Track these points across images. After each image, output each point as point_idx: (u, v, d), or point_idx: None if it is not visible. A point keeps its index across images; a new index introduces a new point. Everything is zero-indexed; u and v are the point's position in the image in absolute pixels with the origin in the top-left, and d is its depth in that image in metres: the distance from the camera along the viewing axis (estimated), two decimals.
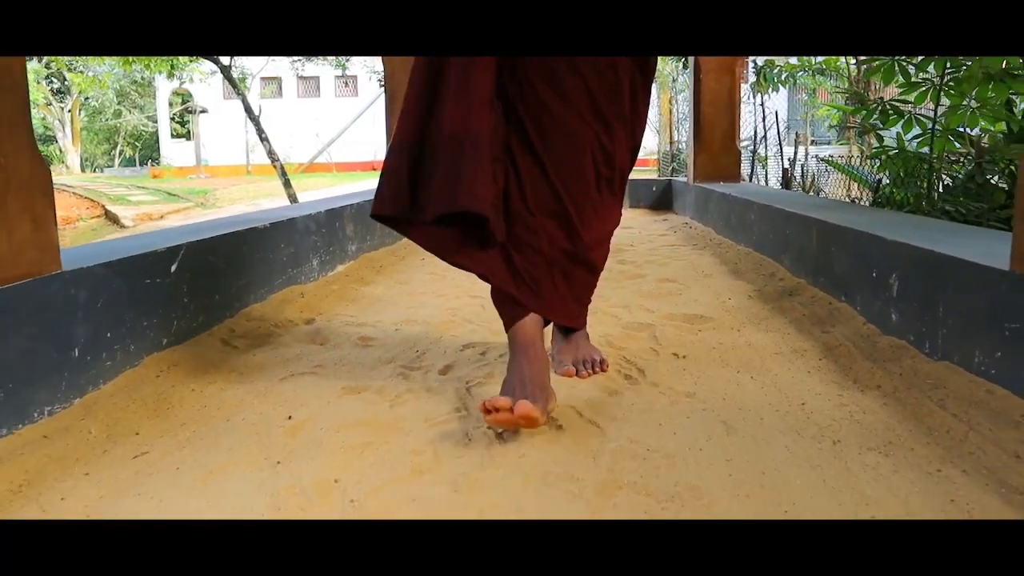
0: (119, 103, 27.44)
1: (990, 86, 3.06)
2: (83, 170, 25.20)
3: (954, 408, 1.35)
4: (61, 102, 24.44)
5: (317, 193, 10.02)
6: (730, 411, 1.43)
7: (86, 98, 25.23)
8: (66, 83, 23.44)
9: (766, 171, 6.30)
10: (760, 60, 7.84)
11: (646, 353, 1.83)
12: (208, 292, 2.01)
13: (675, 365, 1.73)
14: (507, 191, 1.48)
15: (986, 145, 3.49)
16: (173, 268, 1.85)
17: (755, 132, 6.84)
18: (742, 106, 7.57)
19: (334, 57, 9.30)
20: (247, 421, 1.41)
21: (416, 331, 2.08)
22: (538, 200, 1.49)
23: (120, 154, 29.20)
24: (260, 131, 7.86)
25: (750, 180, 6.06)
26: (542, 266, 1.50)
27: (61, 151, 25.30)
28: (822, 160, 5.46)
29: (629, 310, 2.30)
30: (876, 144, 4.90)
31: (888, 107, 4.29)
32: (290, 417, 1.42)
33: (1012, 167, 3.35)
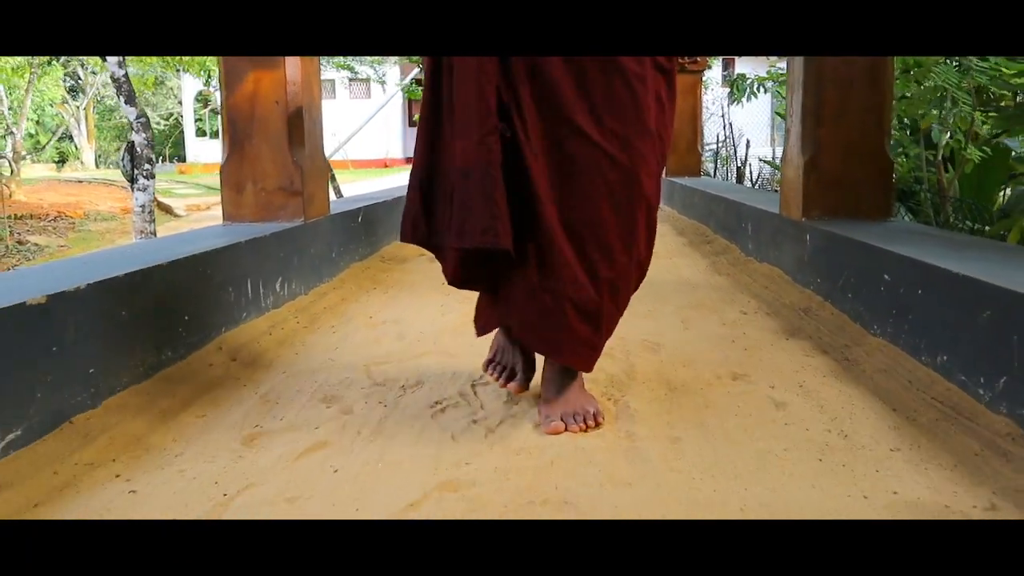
0: None
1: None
2: (97, 166, 25.93)
3: (756, 278, 2.91)
4: (76, 100, 25.21)
5: (345, 188, 11.47)
6: (654, 281, 2.99)
7: (100, 97, 25.84)
8: (80, 82, 24.04)
9: (726, 168, 7.88)
10: (733, 73, 9.41)
11: None
12: (369, 235, 3.56)
13: None
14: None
15: None
16: (359, 219, 3.40)
17: (716, 137, 8.41)
18: (717, 115, 9.15)
19: (369, 60, 10.55)
20: (423, 286, 2.97)
21: None
22: (539, 233, 1.42)
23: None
24: None
25: (714, 176, 7.61)
26: (523, 296, 1.46)
27: (77, 148, 26.16)
28: (761, 159, 7.04)
29: None
30: None
31: None
32: (443, 283, 2.97)
33: None
